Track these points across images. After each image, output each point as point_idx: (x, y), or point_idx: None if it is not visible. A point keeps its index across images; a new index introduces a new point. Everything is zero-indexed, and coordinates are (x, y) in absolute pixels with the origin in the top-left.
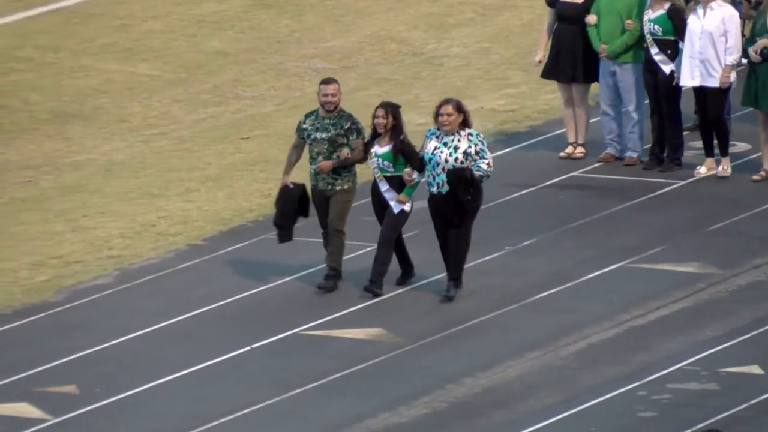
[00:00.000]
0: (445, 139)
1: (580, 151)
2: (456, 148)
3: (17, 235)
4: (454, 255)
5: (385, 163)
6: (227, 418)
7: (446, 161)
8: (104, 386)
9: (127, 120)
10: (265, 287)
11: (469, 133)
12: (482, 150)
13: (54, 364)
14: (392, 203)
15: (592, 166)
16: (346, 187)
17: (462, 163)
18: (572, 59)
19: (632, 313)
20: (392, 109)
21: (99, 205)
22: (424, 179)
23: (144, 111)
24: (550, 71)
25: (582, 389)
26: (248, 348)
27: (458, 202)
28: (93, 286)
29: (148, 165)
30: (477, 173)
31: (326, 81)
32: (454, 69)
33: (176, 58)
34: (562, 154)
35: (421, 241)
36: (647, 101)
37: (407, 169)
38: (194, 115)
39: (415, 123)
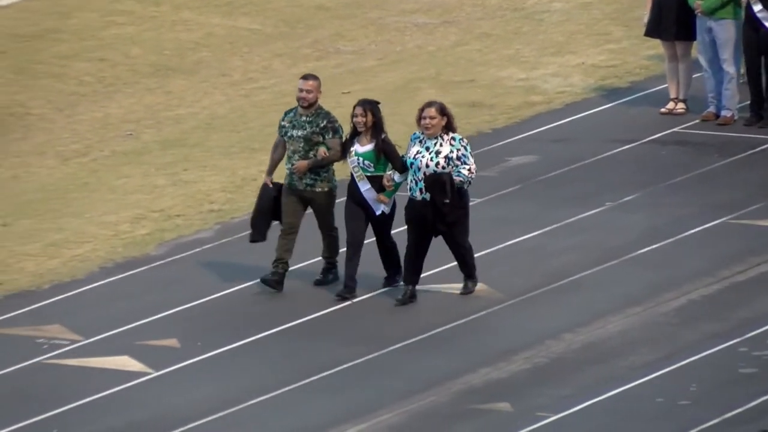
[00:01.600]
0: (428, 143)
1: (681, 107)
2: (438, 153)
3: (118, 189)
4: (461, 262)
5: (366, 162)
6: (324, 374)
7: (427, 166)
8: (205, 340)
9: (227, 74)
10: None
11: (452, 138)
12: (464, 155)
13: (155, 317)
14: (372, 203)
15: (692, 122)
16: (326, 189)
17: (444, 168)
18: (675, 16)
19: (733, 270)
20: (371, 107)
21: (200, 159)
22: (406, 182)
23: (245, 65)
24: (654, 29)
25: (682, 345)
26: (349, 302)
27: (439, 210)
28: (194, 240)
29: (248, 119)
30: (457, 179)
31: (305, 77)
32: (555, 24)
33: (277, 13)
34: (662, 109)
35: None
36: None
37: (388, 173)
38: (294, 69)
39: (516, 78)
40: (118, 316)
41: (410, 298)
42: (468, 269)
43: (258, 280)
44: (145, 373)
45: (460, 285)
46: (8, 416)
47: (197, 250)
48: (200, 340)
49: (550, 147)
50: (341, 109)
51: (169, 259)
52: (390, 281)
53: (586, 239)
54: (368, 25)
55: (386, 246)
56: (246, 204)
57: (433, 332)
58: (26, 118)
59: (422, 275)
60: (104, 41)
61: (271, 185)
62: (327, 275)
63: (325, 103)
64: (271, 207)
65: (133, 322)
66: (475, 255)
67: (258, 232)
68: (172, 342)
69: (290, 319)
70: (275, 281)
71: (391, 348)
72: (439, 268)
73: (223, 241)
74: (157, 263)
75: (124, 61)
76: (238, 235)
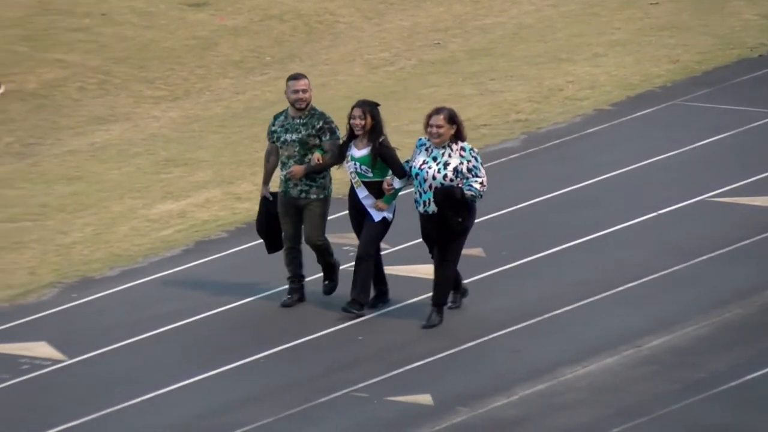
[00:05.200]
0: (435, 153)
1: None
2: (446, 164)
3: (425, 98)
4: (437, 278)
5: (363, 167)
6: (630, 284)
7: (434, 178)
8: (510, 250)
9: None
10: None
11: (462, 148)
12: (476, 167)
13: None
14: (370, 210)
15: None
16: (321, 196)
17: (452, 181)
18: None
19: None
20: (370, 109)
21: (507, 68)
22: (407, 189)
23: None
24: None
25: None
26: (654, 214)
27: (445, 223)
28: (500, 150)
29: (556, 29)
30: (468, 193)
31: (295, 76)
32: None
33: None
34: None
35: None
36: None
37: (387, 178)
38: None
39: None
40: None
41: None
42: (438, 297)
43: None
44: None
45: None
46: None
47: (503, 159)
48: (505, 249)
49: None
50: None
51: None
52: (378, 300)
53: None
54: None
55: (359, 253)
56: (552, 114)
57: (740, 244)
58: (335, 26)
59: (730, 187)
60: None
61: (270, 197)
62: (327, 282)
63: None
64: (274, 225)
65: None
66: None
67: (271, 246)
68: (478, 251)
69: (598, 229)
70: (294, 300)
71: (694, 261)
72: (750, 179)
73: (529, 150)
74: None
75: None
76: (544, 145)
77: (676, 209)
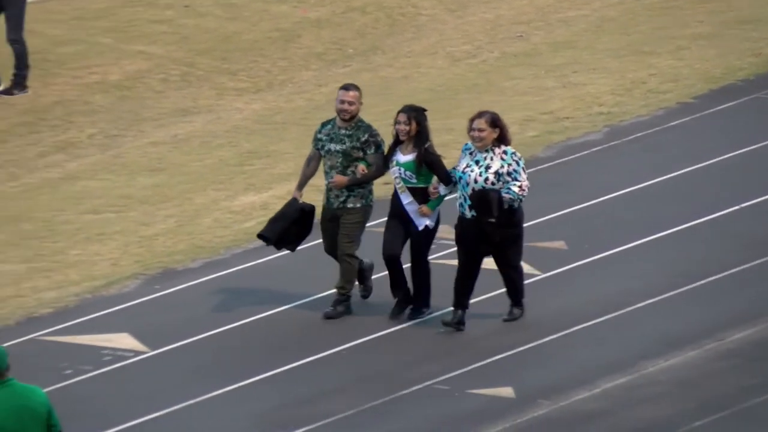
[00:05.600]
0: (478, 157)
1: None
2: (487, 168)
3: (507, 90)
4: (509, 285)
5: (408, 173)
6: (710, 278)
7: (476, 181)
8: (592, 243)
9: None
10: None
11: (504, 151)
12: (516, 171)
13: (542, 219)
14: (413, 217)
15: None
16: (358, 205)
17: (493, 184)
18: None
19: None
20: (416, 115)
21: (589, 61)
22: (452, 195)
23: None
24: None
25: None
26: (737, 207)
27: (485, 228)
28: (582, 143)
29: (639, 22)
30: (506, 196)
31: (345, 87)
32: None
33: None
34: None
35: None
36: None
37: (434, 182)
38: None
39: None
40: None
41: (458, 324)
42: (516, 295)
43: None
44: (533, 275)
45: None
46: None
47: (585, 152)
48: (587, 242)
49: None
50: None
51: (557, 161)
52: (416, 313)
53: None
54: None
55: (421, 269)
56: (635, 107)
57: None
58: (418, 18)
59: None
60: None
61: (299, 200)
62: (337, 307)
63: None
64: (293, 216)
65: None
66: None
67: (270, 230)
68: (560, 244)
69: (683, 221)
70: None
71: None
72: None
73: (612, 143)
74: (545, 165)
75: None
76: (627, 138)
77: (759, 202)
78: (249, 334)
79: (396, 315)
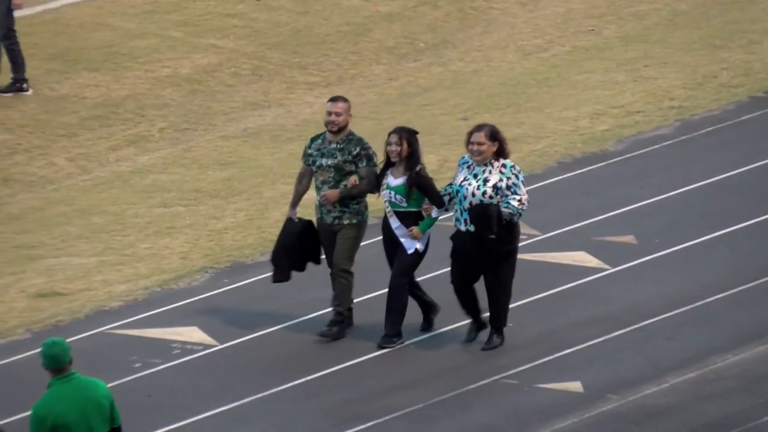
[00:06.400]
0: (476, 170)
1: None
2: (486, 181)
3: (579, 84)
4: (493, 306)
5: (398, 197)
6: None
7: (473, 195)
8: (662, 237)
9: None
10: None
11: (503, 165)
12: (515, 184)
13: (612, 213)
14: (403, 240)
15: None
16: (354, 221)
17: (491, 198)
18: None
19: None
20: (408, 135)
21: (661, 55)
22: (444, 216)
23: None
24: None
25: None
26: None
27: (485, 244)
28: (653, 137)
29: (711, 16)
30: (506, 210)
31: (333, 99)
32: None
33: None
34: None
35: None
36: None
37: (426, 203)
38: None
39: None
40: (575, 211)
41: (475, 332)
42: (498, 321)
43: None
44: (602, 269)
45: None
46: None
47: (656, 146)
48: (657, 237)
49: None
50: None
51: (628, 155)
52: (386, 341)
53: None
54: None
55: (400, 291)
56: (706, 101)
57: None
58: (489, 12)
59: None
60: None
61: (296, 220)
62: (332, 327)
63: None
64: (295, 245)
65: (591, 218)
66: None
67: (281, 272)
68: (629, 239)
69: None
70: (330, 336)
71: None
72: None
73: (683, 137)
74: (616, 159)
75: None
76: (698, 132)
77: None
78: (318, 328)
79: (425, 328)
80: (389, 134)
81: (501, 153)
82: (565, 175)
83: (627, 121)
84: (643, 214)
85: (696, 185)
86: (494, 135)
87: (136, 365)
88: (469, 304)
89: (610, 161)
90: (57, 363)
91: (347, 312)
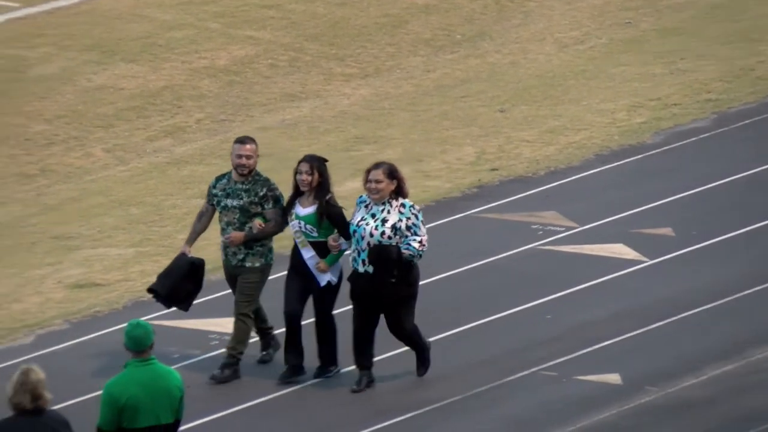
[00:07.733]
0: (374, 210)
1: None
2: (384, 221)
3: (616, 77)
4: (409, 343)
5: (308, 226)
6: None
7: (371, 235)
8: (700, 229)
9: None
10: None
11: (402, 204)
12: (415, 225)
13: (649, 206)
14: (315, 272)
15: None
16: (257, 264)
17: (390, 238)
18: None
19: None
20: (318, 164)
21: (698, 48)
22: (351, 249)
23: None
24: None
25: None
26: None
27: (386, 285)
28: (690, 129)
29: (747, 8)
30: (406, 252)
31: (241, 140)
32: None
33: None
34: None
35: None
36: None
37: (333, 235)
38: None
39: None
40: (612, 203)
41: (368, 385)
42: (422, 353)
43: None
44: (640, 262)
45: None
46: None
47: (693, 139)
48: (695, 229)
49: None
50: None
51: (665, 147)
52: (322, 372)
53: None
54: None
55: (326, 326)
56: (743, 94)
57: None
58: (526, 4)
59: None
60: None
61: (188, 255)
62: (224, 370)
63: None
64: (184, 269)
65: (628, 210)
66: None
67: (161, 285)
68: (667, 231)
69: None
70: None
71: None
72: None
73: (720, 130)
74: (653, 152)
75: None
76: (735, 125)
77: None
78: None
79: (285, 379)
80: (299, 163)
81: (400, 192)
82: (602, 168)
83: (664, 114)
84: (681, 207)
85: (733, 177)
86: (393, 173)
87: (175, 356)
88: (363, 349)
89: (647, 153)
90: (138, 345)
91: (239, 356)
